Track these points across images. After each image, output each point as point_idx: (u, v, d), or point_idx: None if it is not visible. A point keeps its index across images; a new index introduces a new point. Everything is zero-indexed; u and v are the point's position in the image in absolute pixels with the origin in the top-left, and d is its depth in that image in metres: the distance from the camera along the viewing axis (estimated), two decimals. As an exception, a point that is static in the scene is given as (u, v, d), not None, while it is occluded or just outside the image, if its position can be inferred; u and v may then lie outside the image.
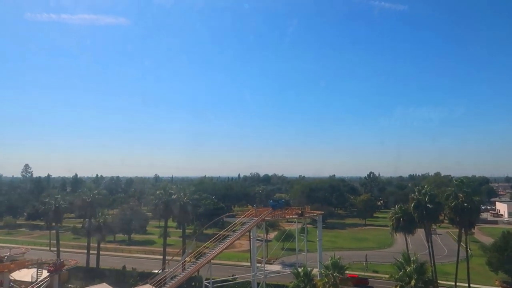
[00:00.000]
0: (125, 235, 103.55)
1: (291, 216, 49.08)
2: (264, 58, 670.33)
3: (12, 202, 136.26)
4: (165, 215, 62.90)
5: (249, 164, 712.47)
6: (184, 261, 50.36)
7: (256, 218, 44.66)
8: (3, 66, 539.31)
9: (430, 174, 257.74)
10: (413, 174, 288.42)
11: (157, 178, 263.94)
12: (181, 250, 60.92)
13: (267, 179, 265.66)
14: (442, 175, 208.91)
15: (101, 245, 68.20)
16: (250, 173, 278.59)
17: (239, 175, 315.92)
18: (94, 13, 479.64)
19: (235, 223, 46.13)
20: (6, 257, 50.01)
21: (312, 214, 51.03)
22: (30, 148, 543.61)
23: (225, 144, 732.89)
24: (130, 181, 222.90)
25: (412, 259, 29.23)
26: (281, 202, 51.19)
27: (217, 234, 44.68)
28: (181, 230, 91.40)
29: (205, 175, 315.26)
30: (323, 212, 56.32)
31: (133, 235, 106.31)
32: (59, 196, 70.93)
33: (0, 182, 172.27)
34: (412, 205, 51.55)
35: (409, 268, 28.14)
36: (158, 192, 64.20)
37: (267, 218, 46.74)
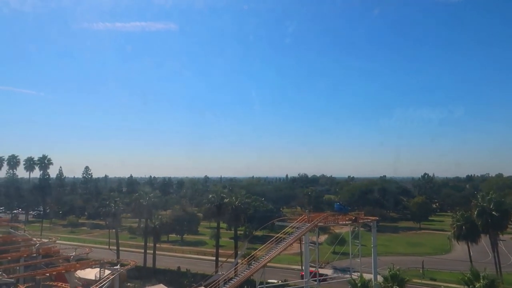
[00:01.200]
0: (178, 236, 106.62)
1: (344, 222, 48.25)
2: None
3: (75, 202, 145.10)
4: (217, 218, 64.08)
5: (295, 164, 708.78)
6: (237, 264, 51.06)
7: (309, 224, 44.33)
8: (64, 73, 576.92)
9: (490, 175, 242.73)
10: (472, 175, 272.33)
11: (206, 179, 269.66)
12: (234, 253, 61.90)
13: (315, 180, 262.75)
14: (504, 176, 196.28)
15: (156, 245, 70.75)
16: (298, 174, 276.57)
17: (286, 175, 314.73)
18: (144, 20, 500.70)
19: (288, 227, 46.10)
20: (72, 257, 53.31)
21: (366, 220, 49.77)
22: (89, 151, 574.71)
23: (273, 144, 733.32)
24: (181, 182, 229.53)
25: (481, 274, 27.36)
26: (346, 209, 50.60)
27: (268, 236, 44.81)
28: (231, 231, 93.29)
29: (253, 176, 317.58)
30: (377, 218, 54.65)
31: (185, 236, 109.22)
32: (118, 199, 74.83)
33: (64, 183, 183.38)
34: (475, 213, 48.57)
35: (478, 285, 26.39)
36: (210, 196, 65.71)
37: (320, 223, 46.21)
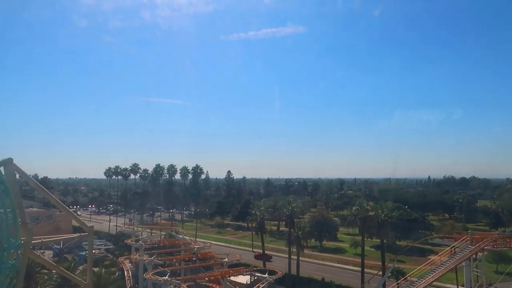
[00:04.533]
0: (317, 242, 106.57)
1: (519, 246, 41.20)
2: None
3: (220, 204, 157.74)
4: (361, 231, 61.75)
5: (441, 164, 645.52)
6: (385, 283, 48.31)
7: (473, 247, 39.15)
8: (207, 84, 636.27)
9: None
10: None
11: (341, 181, 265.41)
12: (381, 269, 58.90)
13: (464, 183, 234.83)
14: None
15: (293, 250, 71.36)
16: (444, 176, 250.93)
17: (429, 177, 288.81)
18: (275, 27, 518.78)
19: (447, 249, 41.60)
20: (225, 263, 57.55)
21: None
22: (230, 154, 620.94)
23: (413, 142, 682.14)
24: (316, 185, 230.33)
25: None
26: None
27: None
28: (372, 240, 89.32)
29: (390, 178, 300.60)
30: None
31: (324, 242, 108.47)
32: (263, 208, 78.70)
33: (209, 185, 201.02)
34: None
35: None
36: (354, 208, 63.86)
37: (487, 247, 40.35)
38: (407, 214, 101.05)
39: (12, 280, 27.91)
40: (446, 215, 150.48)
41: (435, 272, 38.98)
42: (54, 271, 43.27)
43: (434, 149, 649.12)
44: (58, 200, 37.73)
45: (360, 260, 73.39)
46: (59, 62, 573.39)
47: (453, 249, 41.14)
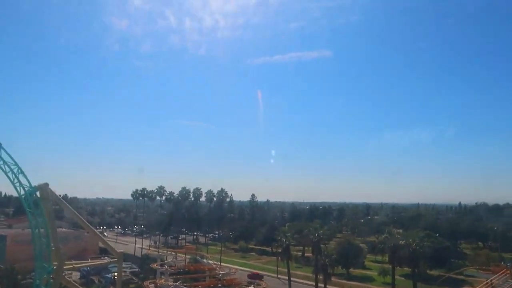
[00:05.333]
0: (343, 269, 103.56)
1: None
2: None
3: (244, 228, 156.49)
4: (391, 260, 59.68)
5: (473, 190, 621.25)
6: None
7: (513, 282, 37.14)
8: (226, 107, 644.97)
9: None
10: None
11: (367, 206, 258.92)
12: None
13: (498, 209, 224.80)
14: None
15: (320, 277, 69.56)
16: (476, 203, 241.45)
17: (459, 203, 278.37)
18: (300, 51, 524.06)
19: (484, 284, 39.46)
20: (251, 289, 56.82)
21: None
22: (254, 177, 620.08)
23: (443, 168, 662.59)
24: (341, 210, 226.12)
25: None
26: None
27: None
28: (402, 268, 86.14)
29: (418, 203, 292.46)
30: None
31: (351, 270, 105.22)
32: (289, 234, 77.65)
33: (233, 208, 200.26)
34: None
35: None
36: (384, 236, 62.08)
37: (529, 283, 38.13)
38: (439, 242, 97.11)
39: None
40: (480, 243, 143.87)
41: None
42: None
43: (465, 174, 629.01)
44: (89, 224, 38.43)
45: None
46: (90, 86, 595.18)
47: (491, 282, 39.12)
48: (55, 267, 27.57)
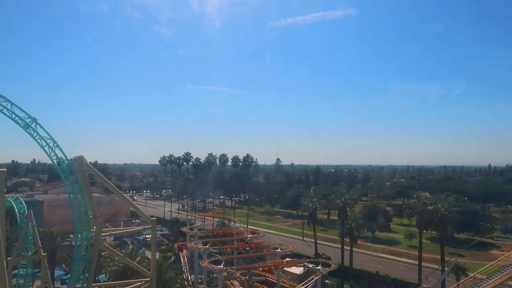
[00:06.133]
0: (369, 232, 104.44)
1: None
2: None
3: (269, 191, 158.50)
4: (419, 225, 59.46)
5: (504, 152, 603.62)
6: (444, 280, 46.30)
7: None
8: (253, 72, 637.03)
9: None
10: None
11: (393, 169, 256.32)
12: (439, 265, 56.60)
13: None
14: None
15: (346, 240, 70.37)
16: (507, 165, 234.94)
17: (489, 165, 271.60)
18: (323, 10, 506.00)
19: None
20: (278, 253, 58.07)
21: None
22: (280, 140, 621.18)
23: (474, 127, 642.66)
24: (366, 173, 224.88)
25: None
26: None
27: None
28: (428, 232, 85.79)
29: (445, 166, 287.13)
30: None
31: (377, 233, 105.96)
32: (315, 199, 78.19)
33: (258, 172, 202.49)
34: None
35: None
36: (412, 201, 61.56)
37: None
38: (467, 206, 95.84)
39: (85, 269, 30.10)
40: (510, 206, 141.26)
41: (505, 271, 36.53)
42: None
43: (496, 135, 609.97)
44: (120, 191, 39.77)
45: (415, 253, 71.02)
46: (113, 54, 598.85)
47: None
48: (93, 234, 28.92)
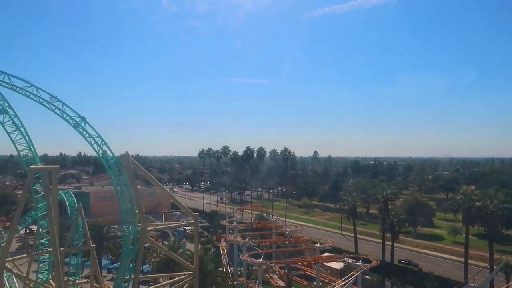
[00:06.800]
0: (410, 227, 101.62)
1: None
2: None
3: (307, 184, 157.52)
4: (465, 222, 57.05)
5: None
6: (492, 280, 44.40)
7: None
8: (289, 62, 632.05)
9: None
10: None
11: (435, 161, 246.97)
12: (487, 263, 54.26)
13: None
14: None
15: (387, 235, 68.80)
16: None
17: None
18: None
19: None
20: (317, 248, 57.83)
21: None
22: (317, 132, 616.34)
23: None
24: (407, 166, 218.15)
25: None
26: None
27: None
28: (472, 226, 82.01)
29: (492, 157, 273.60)
30: None
31: (418, 228, 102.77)
32: (355, 194, 76.95)
33: (295, 165, 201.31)
34: None
35: None
36: (458, 197, 59.10)
37: None
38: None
39: (132, 262, 31.32)
40: None
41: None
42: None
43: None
44: (163, 186, 40.90)
45: (460, 250, 68.29)
46: (153, 48, 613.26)
47: None
48: (139, 229, 29.95)
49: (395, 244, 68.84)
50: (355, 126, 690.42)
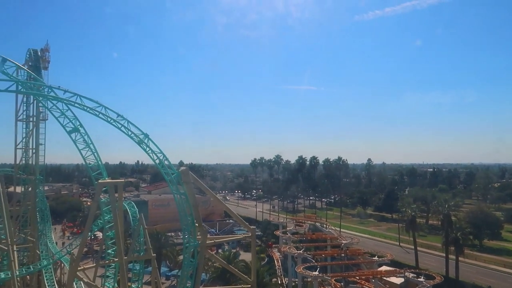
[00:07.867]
0: (475, 240, 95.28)
1: None
2: None
3: (362, 193, 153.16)
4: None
5: None
6: None
7: None
8: (340, 68, 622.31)
9: None
10: None
11: (502, 168, 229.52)
12: None
13: None
14: None
15: (451, 248, 64.87)
16: None
17: None
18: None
19: None
20: (375, 262, 55.83)
21: None
22: (370, 138, 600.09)
23: None
24: (470, 173, 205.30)
25: None
26: None
27: None
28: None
29: None
30: None
31: (485, 241, 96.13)
32: (414, 206, 73.72)
33: (348, 171, 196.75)
34: None
35: None
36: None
37: None
38: None
39: (193, 275, 32.20)
40: None
41: None
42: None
43: None
44: (220, 199, 41.64)
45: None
46: (201, 59, 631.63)
47: None
48: (199, 242, 30.70)
49: (460, 259, 64.94)
50: (411, 131, 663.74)
